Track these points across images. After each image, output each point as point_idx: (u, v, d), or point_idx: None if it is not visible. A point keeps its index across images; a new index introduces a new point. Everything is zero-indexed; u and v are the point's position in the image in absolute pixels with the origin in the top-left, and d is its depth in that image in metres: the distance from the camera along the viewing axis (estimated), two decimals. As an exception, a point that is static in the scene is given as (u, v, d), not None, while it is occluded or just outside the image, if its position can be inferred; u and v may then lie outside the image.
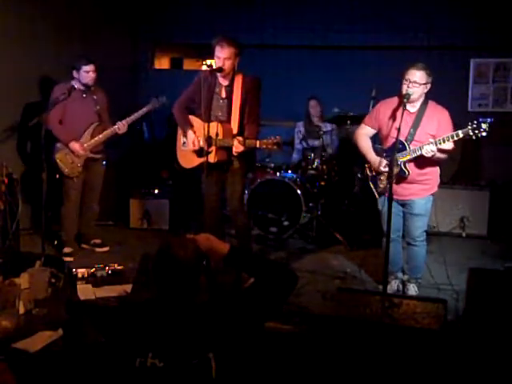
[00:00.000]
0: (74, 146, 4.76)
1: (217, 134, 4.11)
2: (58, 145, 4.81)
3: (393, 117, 3.92)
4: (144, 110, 4.86)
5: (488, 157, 6.51)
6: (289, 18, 6.95)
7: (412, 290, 4.22)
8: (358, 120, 5.88)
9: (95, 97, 4.86)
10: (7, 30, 5.20)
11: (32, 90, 5.44)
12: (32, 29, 5.48)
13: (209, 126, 4.00)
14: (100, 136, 4.86)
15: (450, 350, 2.97)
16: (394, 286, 4.25)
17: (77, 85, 4.72)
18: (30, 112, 5.20)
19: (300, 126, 6.50)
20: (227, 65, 4.08)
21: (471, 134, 3.57)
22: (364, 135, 4.17)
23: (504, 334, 3.02)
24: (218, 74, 4.18)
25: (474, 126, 3.55)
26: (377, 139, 4.24)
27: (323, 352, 2.98)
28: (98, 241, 5.20)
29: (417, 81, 3.80)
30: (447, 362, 2.87)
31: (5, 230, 4.49)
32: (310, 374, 2.85)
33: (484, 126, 3.53)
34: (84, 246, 5.19)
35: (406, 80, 3.82)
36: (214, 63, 4.24)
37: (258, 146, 4.05)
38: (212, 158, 4.11)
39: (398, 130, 3.61)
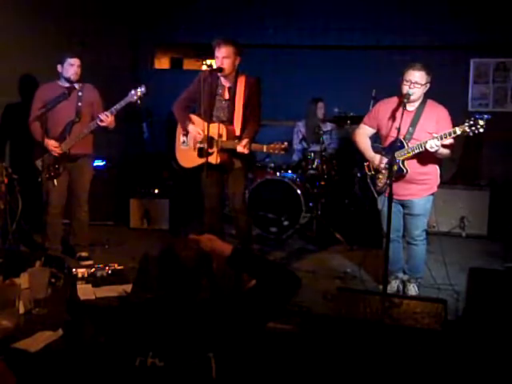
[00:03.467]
0: (49, 143, 4.51)
1: (220, 136, 4.12)
2: (37, 147, 4.57)
3: (392, 116, 3.93)
4: (122, 103, 4.55)
5: (488, 157, 6.51)
6: (289, 18, 6.96)
7: (412, 289, 4.22)
8: (358, 120, 5.90)
9: (80, 93, 4.63)
10: (6, 30, 5.19)
11: (31, 90, 5.43)
12: (31, 29, 5.47)
13: (209, 127, 3.98)
14: (79, 134, 4.61)
15: (449, 350, 2.97)
16: (394, 285, 4.25)
17: (61, 82, 4.60)
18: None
19: (300, 126, 6.50)
20: (226, 64, 4.09)
21: (468, 130, 3.58)
22: (363, 134, 4.18)
23: (504, 334, 3.02)
24: (220, 75, 4.17)
25: (471, 122, 3.57)
26: (376, 139, 4.25)
27: (323, 352, 2.98)
28: (84, 254, 4.86)
29: (418, 81, 3.80)
30: (447, 362, 2.87)
31: (5, 230, 4.48)
32: (310, 374, 2.84)
33: (481, 122, 3.54)
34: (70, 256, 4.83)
35: (408, 81, 3.82)
36: (214, 63, 4.24)
37: (264, 150, 4.08)
38: (214, 160, 4.11)
39: (398, 129, 3.62)
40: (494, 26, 6.29)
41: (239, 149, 4.03)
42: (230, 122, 4.20)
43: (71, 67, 4.56)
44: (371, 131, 4.16)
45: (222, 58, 4.08)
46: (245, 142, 4.03)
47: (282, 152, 4.01)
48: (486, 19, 6.31)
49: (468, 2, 6.37)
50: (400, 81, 3.88)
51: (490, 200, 5.92)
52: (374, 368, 2.85)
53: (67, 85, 4.60)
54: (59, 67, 4.59)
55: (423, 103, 3.92)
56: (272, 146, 4.01)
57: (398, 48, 6.63)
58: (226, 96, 4.22)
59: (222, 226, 4.68)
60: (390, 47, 6.69)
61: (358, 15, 6.74)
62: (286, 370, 2.83)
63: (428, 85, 3.87)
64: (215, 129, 4.11)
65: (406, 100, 3.71)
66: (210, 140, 4.03)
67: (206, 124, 4.03)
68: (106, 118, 4.55)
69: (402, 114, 3.62)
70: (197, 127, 4.24)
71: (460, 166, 6.33)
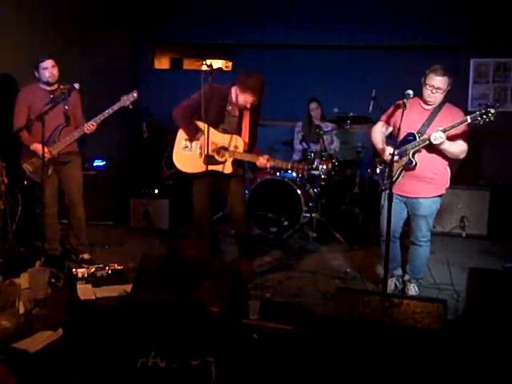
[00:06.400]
0: (38, 147, 4.35)
1: (235, 147, 4.18)
2: (25, 149, 4.52)
3: (407, 115, 3.89)
4: (114, 107, 4.53)
5: (488, 157, 6.51)
6: (289, 18, 6.96)
7: (412, 289, 4.21)
8: (358, 120, 5.93)
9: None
10: (5, 31, 5.18)
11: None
12: (31, 30, 5.46)
13: (208, 133, 3.98)
14: (67, 138, 4.55)
15: (449, 350, 2.97)
16: (390, 284, 4.24)
17: (41, 84, 4.54)
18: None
19: (300, 126, 6.49)
20: (249, 105, 4.17)
21: (479, 119, 3.58)
22: (379, 131, 4.19)
23: (504, 334, 3.02)
24: (230, 93, 4.22)
25: (483, 111, 3.57)
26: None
27: (323, 352, 2.98)
28: (86, 256, 4.82)
29: (440, 87, 3.79)
30: (447, 362, 2.87)
31: (5, 230, 4.48)
32: (311, 375, 2.84)
33: (492, 110, 3.54)
34: (73, 256, 4.85)
35: (430, 86, 3.80)
36: (214, 64, 4.25)
37: (289, 168, 4.24)
38: (227, 169, 4.19)
39: (398, 129, 3.60)
40: (493, 26, 6.29)
41: (261, 162, 4.13)
42: (238, 135, 4.26)
43: (45, 70, 4.49)
44: (387, 128, 4.18)
45: (251, 104, 4.15)
46: (267, 157, 4.14)
47: (305, 173, 4.09)
48: (485, 19, 6.31)
49: (468, 3, 6.38)
50: (422, 82, 3.84)
51: (490, 200, 5.93)
52: (374, 368, 2.85)
53: (49, 88, 4.55)
54: (36, 73, 4.53)
55: (441, 104, 3.91)
56: (296, 164, 4.20)
57: (398, 48, 6.64)
58: (236, 113, 4.26)
59: (211, 228, 4.66)
60: (389, 47, 6.70)
61: (358, 15, 6.74)
62: (285, 371, 2.83)
63: (449, 87, 3.85)
64: (227, 139, 4.18)
65: (405, 100, 3.67)
66: (221, 150, 4.14)
67: (217, 134, 4.16)
68: (92, 128, 4.54)
69: (402, 114, 3.59)
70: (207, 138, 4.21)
71: (460, 166, 6.32)
